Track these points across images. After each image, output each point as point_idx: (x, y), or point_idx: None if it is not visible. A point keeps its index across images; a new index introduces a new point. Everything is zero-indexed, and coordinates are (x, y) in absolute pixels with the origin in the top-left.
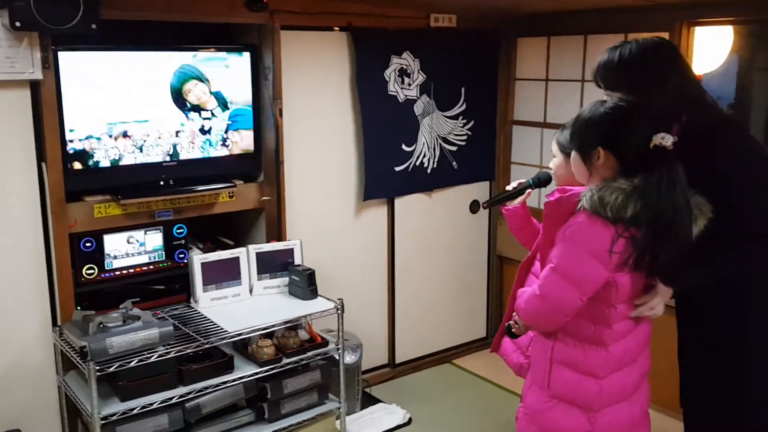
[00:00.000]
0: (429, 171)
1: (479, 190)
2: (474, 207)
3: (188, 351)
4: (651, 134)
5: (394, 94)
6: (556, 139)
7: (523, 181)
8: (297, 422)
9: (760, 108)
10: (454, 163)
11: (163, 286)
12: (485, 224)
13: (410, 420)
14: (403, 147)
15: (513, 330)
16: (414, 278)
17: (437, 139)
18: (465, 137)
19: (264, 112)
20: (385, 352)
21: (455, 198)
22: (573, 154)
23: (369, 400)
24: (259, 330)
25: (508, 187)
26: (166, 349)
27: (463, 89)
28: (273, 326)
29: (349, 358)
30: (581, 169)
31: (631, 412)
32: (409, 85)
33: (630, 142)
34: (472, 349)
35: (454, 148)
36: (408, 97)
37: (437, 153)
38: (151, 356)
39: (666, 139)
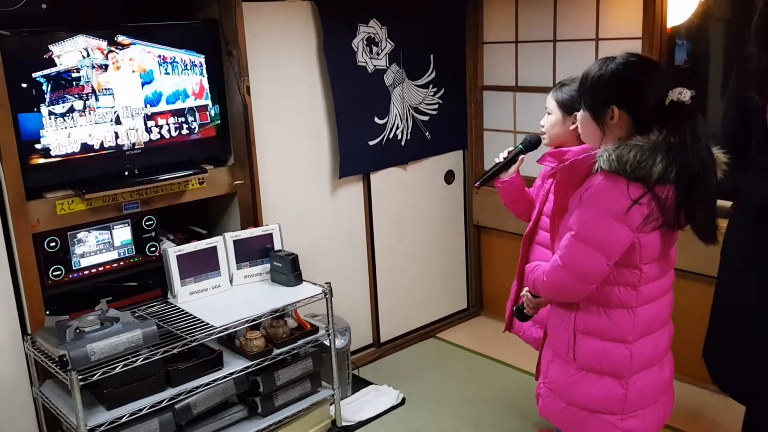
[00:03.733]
0: (403, 143)
1: (453, 160)
2: (449, 177)
3: (174, 350)
4: (666, 89)
5: (363, 64)
6: (554, 97)
7: (512, 149)
8: (292, 414)
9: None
10: (427, 134)
11: (136, 282)
12: (461, 194)
13: (404, 400)
14: (376, 120)
15: (525, 311)
16: (393, 254)
17: (409, 110)
18: (436, 106)
19: (230, 91)
20: (370, 332)
21: (430, 169)
22: (582, 114)
23: (359, 384)
24: (246, 322)
25: (497, 159)
26: (151, 351)
27: (431, 56)
28: (260, 317)
29: (339, 343)
30: (592, 130)
31: (663, 377)
32: (378, 54)
33: (645, 99)
34: (455, 321)
35: (426, 118)
36: (377, 68)
37: (410, 124)
38: (137, 360)
39: (684, 94)
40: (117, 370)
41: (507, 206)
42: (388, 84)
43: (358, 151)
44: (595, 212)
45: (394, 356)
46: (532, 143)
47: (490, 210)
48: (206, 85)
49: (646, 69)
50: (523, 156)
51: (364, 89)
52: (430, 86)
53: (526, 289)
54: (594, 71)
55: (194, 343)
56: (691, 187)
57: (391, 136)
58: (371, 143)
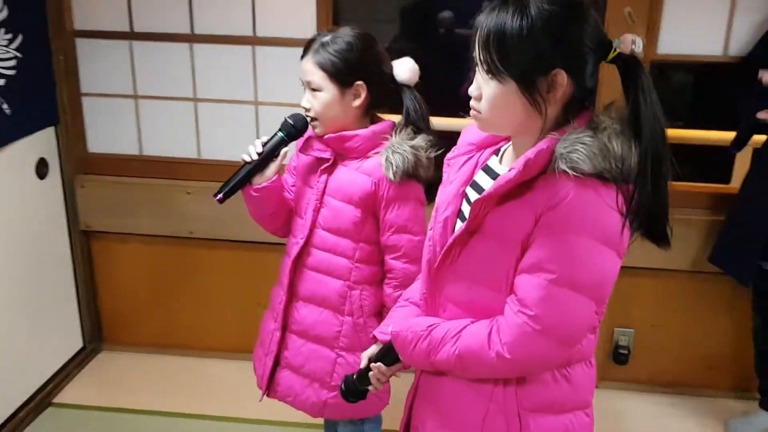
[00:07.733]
0: None
1: (45, 144)
2: (41, 169)
3: None
4: (606, 38)
5: None
6: (318, 63)
7: (265, 139)
8: None
9: None
10: (5, 106)
11: None
12: (60, 191)
13: None
14: None
15: (368, 387)
16: None
17: None
18: (14, 62)
19: None
20: None
21: (16, 159)
22: (500, 90)
23: None
24: None
25: (246, 156)
26: None
27: None
28: None
29: None
30: (523, 111)
31: None
32: None
33: (589, 55)
34: (72, 372)
35: (1, 82)
36: None
37: None
38: None
39: (637, 44)
40: None
41: (259, 221)
42: None
43: None
44: (585, 240)
45: None
46: (297, 129)
47: (105, 208)
48: None
49: (583, 9)
50: (285, 149)
51: None
52: (2, 31)
53: (370, 354)
54: (513, 20)
55: None
56: (657, 176)
57: None
58: None
